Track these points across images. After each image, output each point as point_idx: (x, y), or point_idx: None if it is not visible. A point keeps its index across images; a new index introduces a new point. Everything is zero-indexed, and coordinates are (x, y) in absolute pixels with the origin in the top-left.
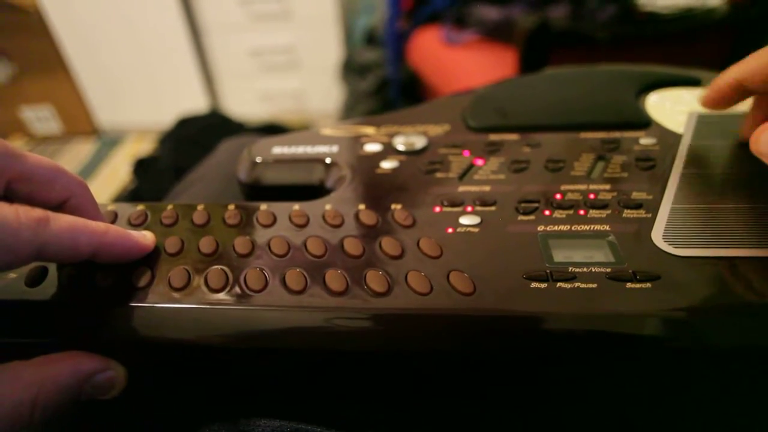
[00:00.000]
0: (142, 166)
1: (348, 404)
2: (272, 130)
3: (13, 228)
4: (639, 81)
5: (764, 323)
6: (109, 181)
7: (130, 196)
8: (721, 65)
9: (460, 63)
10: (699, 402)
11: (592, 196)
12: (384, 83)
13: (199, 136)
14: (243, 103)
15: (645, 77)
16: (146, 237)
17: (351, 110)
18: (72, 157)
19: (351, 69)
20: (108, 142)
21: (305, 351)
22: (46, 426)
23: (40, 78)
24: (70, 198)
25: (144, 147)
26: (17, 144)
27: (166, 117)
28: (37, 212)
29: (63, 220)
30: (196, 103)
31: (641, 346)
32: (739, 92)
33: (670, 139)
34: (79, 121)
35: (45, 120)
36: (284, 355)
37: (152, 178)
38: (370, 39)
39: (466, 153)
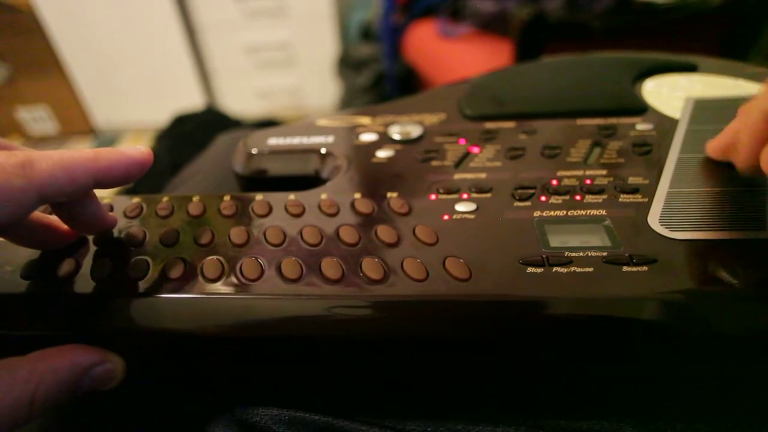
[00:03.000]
0: None
1: (344, 391)
2: (268, 126)
3: (2, 178)
4: (635, 67)
5: (759, 307)
6: None
7: (127, 194)
8: (719, 54)
9: (455, 56)
10: (696, 385)
11: (588, 181)
12: (380, 78)
13: (195, 134)
14: (239, 101)
15: (641, 63)
16: (140, 150)
17: (348, 105)
18: None
19: (347, 64)
20: (105, 141)
21: (301, 339)
22: (45, 418)
23: (36, 78)
24: None
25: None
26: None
27: (162, 115)
28: (18, 156)
29: (49, 158)
30: (193, 101)
31: (638, 329)
32: None
33: (667, 125)
34: (75, 121)
35: (41, 120)
36: (281, 343)
37: (150, 177)
38: (366, 34)
39: (462, 141)
